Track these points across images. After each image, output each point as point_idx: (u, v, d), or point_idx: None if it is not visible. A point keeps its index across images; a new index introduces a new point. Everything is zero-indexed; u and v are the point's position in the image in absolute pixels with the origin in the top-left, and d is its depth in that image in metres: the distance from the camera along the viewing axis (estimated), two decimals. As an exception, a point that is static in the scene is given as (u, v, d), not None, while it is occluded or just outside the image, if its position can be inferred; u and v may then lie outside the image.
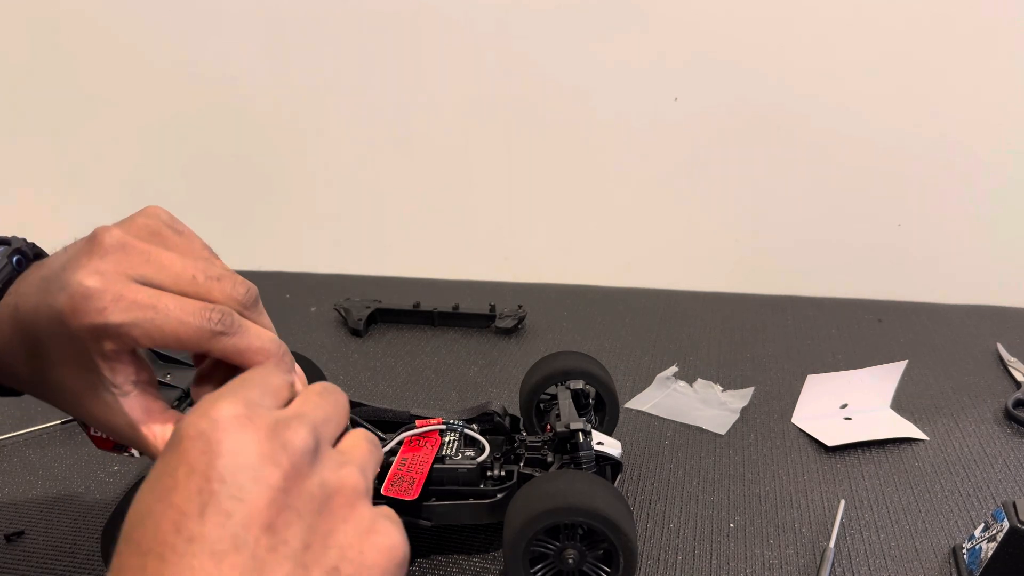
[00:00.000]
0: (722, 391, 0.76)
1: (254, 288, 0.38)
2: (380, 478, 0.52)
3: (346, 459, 0.30)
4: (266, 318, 0.39)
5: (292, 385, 0.33)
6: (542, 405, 0.63)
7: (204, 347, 0.35)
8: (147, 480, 0.27)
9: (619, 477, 0.56)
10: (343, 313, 0.91)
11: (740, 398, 0.75)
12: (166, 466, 0.26)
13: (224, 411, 0.27)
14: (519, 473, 0.53)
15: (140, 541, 0.25)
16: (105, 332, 0.34)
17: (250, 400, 0.29)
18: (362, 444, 0.32)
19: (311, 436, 0.28)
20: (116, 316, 0.33)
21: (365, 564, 0.28)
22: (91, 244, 0.35)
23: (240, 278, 0.38)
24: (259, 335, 0.36)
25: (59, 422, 0.71)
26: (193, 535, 0.25)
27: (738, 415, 0.72)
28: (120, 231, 0.36)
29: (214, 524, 0.25)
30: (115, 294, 0.34)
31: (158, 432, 0.37)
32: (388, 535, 0.29)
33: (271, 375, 0.32)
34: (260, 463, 0.26)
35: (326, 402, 0.32)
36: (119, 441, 0.39)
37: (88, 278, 0.34)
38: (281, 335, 0.90)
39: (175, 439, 0.27)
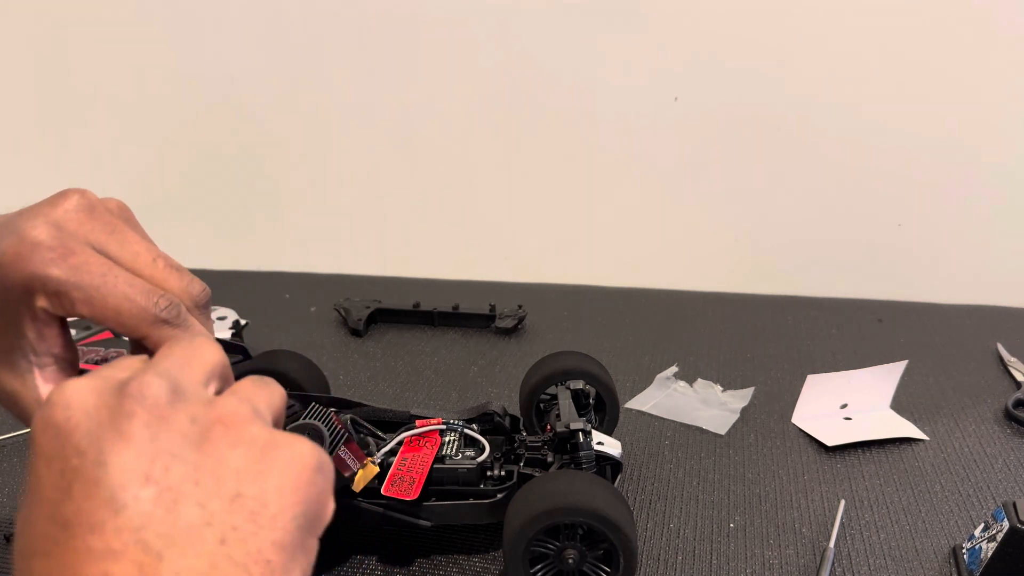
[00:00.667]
0: (722, 391, 0.76)
1: (209, 291, 0.37)
2: (380, 478, 0.52)
3: (220, 397, 0.28)
4: (211, 324, 0.37)
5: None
6: (542, 405, 0.63)
7: (143, 331, 0.33)
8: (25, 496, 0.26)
9: (619, 477, 0.56)
10: (343, 313, 0.91)
11: (740, 398, 0.75)
12: (30, 470, 0.25)
13: (62, 393, 0.26)
14: (519, 473, 0.53)
15: (24, 549, 0.24)
16: (44, 285, 0.32)
17: (98, 375, 0.27)
18: (244, 382, 0.30)
19: (162, 380, 0.26)
20: (61, 272, 0.32)
21: (270, 483, 0.26)
22: (57, 199, 0.34)
23: (197, 278, 0.37)
24: (202, 334, 0.35)
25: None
26: (67, 518, 0.23)
27: (738, 415, 0.72)
28: (94, 196, 0.35)
29: (84, 497, 0.23)
30: (67, 250, 0.32)
31: None
32: (289, 447, 0.27)
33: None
34: (112, 420, 0.25)
35: (184, 350, 0.29)
36: (14, 416, 0.36)
37: (43, 228, 0.32)
38: (281, 335, 0.90)
39: (30, 441, 0.26)
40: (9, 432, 0.70)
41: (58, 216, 0.33)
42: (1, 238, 0.33)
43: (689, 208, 1.00)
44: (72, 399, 0.25)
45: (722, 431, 0.70)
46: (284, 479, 0.26)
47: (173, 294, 0.34)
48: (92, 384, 0.26)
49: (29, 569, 0.24)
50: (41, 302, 0.32)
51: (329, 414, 0.53)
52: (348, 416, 0.55)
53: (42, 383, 0.34)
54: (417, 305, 0.91)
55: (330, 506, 0.28)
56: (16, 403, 0.35)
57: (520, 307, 0.91)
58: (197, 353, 0.30)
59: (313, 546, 0.27)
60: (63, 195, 0.34)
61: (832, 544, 0.55)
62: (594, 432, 0.55)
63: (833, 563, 0.54)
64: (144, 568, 0.23)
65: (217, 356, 0.30)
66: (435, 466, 0.52)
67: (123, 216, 0.36)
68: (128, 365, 0.29)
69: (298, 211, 1.10)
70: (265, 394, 0.29)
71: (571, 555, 0.48)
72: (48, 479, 0.24)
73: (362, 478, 0.51)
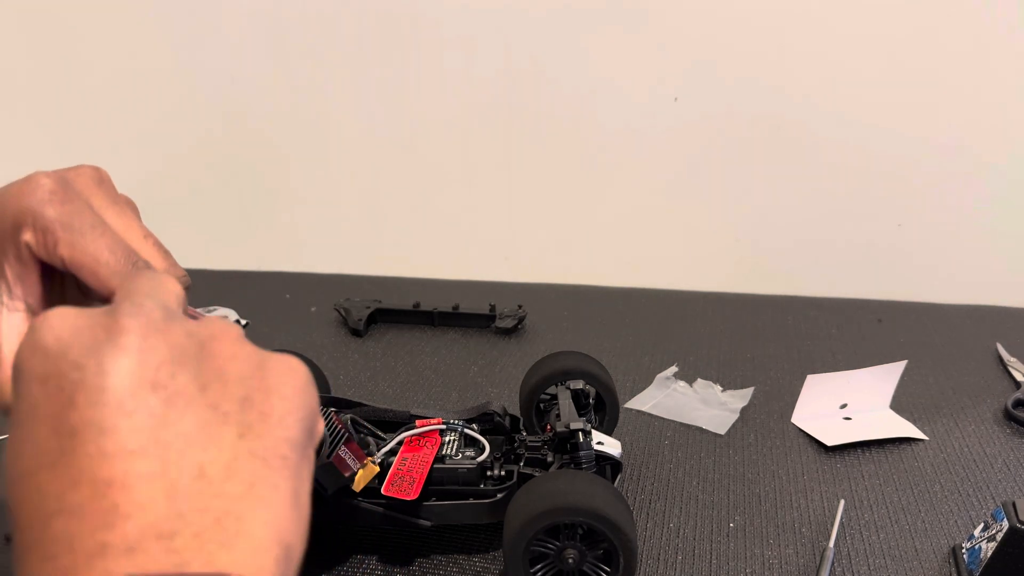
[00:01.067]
0: (722, 391, 0.76)
1: (189, 280, 0.37)
2: (380, 478, 0.52)
3: (206, 317, 0.29)
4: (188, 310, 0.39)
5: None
6: (542, 405, 0.63)
7: (115, 284, 0.33)
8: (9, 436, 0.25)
9: (619, 477, 0.56)
10: (343, 313, 0.91)
11: (740, 398, 0.75)
12: (20, 397, 0.25)
13: (46, 318, 0.25)
14: (519, 473, 0.53)
15: (25, 469, 0.23)
16: (35, 220, 0.32)
17: (78, 308, 0.27)
18: (215, 318, 0.30)
19: (151, 300, 0.27)
20: (54, 211, 0.32)
21: (273, 388, 0.26)
22: (70, 168, 0.35)
23: (181, 267, 0.38)
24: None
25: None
26: (73, 426, 0.23)
27: (738, 415, 0.72)
28: (108, 175, 0.36)
29: (90, 405, 0.23)
30: (66, 196, 0.33)
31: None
32: (282, 359, 0.28)
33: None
34: (108, 335, 0.25)
35: (153, 281, 0.30)
36: None
37: (51, 176, 0.33)
38: (282, 335, 0.91)
39: (13, 376, 0.25)
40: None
41: (69, 174, 0.34)
42: (14, 183, 0.34)
43: (689, 208, 1.00)
44: (57, 323, 0.25)
45: (722, 431, 0.70)
46: (284, 386, 0.27)
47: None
48: (76, 311, 0.26)
49: (34, 485, 0.23)
50: (27, 235, 0.33)
51: (329, 414, 0.53)
52: (348, 416, 0.55)
53: (6, 327, 0.34)
54: (417, 305, 0.91)
55: (321, 422, 0.29)
56: None
57: (520, 307, 0.91)
58: (168, 284, 0.30)
59: (312, 456, 0.28)
60: (77, 167, 0.35)
61: (832, 544, 0.55)
62: (594, 432, 0.55)
63: (833, 563, 0.54)
64: (168, 464, 0.23)
65: (181, 289, 0.31)
66: (435, 466, 0.52)
67: (128, 203, 0.37)
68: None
69: (298, 211, 1.10)
70: (236, 328, 0.30)
71: (571, 555, 0.48)
72: (45, 397, 0.24)
73: (362, 478, 0.51)
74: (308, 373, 0.28)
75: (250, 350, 0.27)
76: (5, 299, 0.34)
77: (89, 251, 0.33)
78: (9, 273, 0.34)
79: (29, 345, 0.25)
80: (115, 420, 0.23)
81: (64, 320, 0.25)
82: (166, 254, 0.37)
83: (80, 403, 0.23)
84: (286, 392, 0.27)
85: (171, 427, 0.24)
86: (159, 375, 0.24)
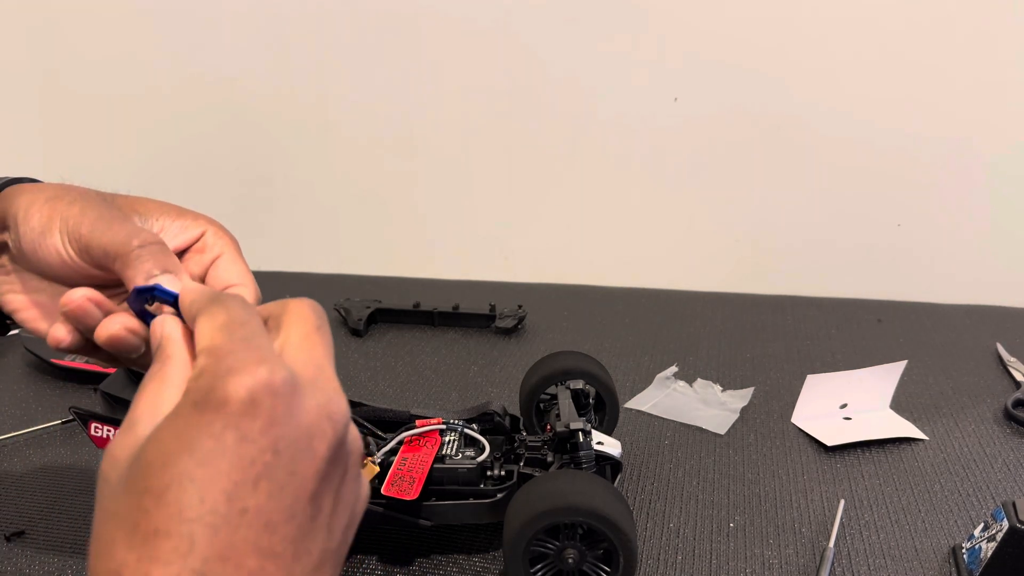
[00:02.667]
0: (722, 391, 0.76)
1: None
2: (380, 478, 0.52)
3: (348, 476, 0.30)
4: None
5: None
6: (542, 405, 0.63)
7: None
8: (171, 427, 0.25)
9: (619, 477, 0.56)
10: (343, 313, 0.91)
11: (740, 398, 0.75)
12: (206, 425, 0.25)
13: (271, 375, 0.25)
14: (519, 473, 0.53)
15: (182, 507, 0.24)
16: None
17: (270, 356, 0.27)
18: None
19: (346, 403, 0.28)
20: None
21: (356, 513, 0.29)
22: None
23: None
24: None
25: (59, 422, 0.71)
26: (247, 506, 0.24)
27: (738, 415, 0.72)
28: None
29: (267, 495, 0.24)
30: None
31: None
32: (361, 481, 0.30)
33: (252, 316, 0.30)
34: (310, 435, 0.26)
35: (330, 347, 0.31)
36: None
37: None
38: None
39: (215, 397, 0.25)
40: (9, 432, 0.70)
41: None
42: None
43: (689, 208, 1.00)
44: (278, 390, 0.25)
45: (722, 431, 0.70)
46: (357, 513, 0.30)
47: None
48: (288, 377, 0.26)
49: (190, 534, 0.24)
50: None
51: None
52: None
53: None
54: (417, 305, 0.91)
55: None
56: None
57: (520, 307, 0.91)
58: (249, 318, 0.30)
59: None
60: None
61: (832, 544, 0.55)
62: (594, 432, 0.55)
63: (833, 563, 0.54)
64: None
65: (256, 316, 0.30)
66: (435, 466, 0.52)
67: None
68: (260, 331, 0.29)
69: (298, 211, 1.10)
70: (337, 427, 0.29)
71: (571, 555, 0.48)
72: (235, 456, 0.24)
73: (362, 478, 0.51)
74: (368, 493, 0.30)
75: (357, 468, 0.29)
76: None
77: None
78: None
79: (254, 405, 0.25)
80: (278, 519, 0.25)
81: (294, 404, 0.26)
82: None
83: (262, 487, 0.25)
84: (355, 519, 0.29)
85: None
86: (320, 489, 0.26)
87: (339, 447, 0.27)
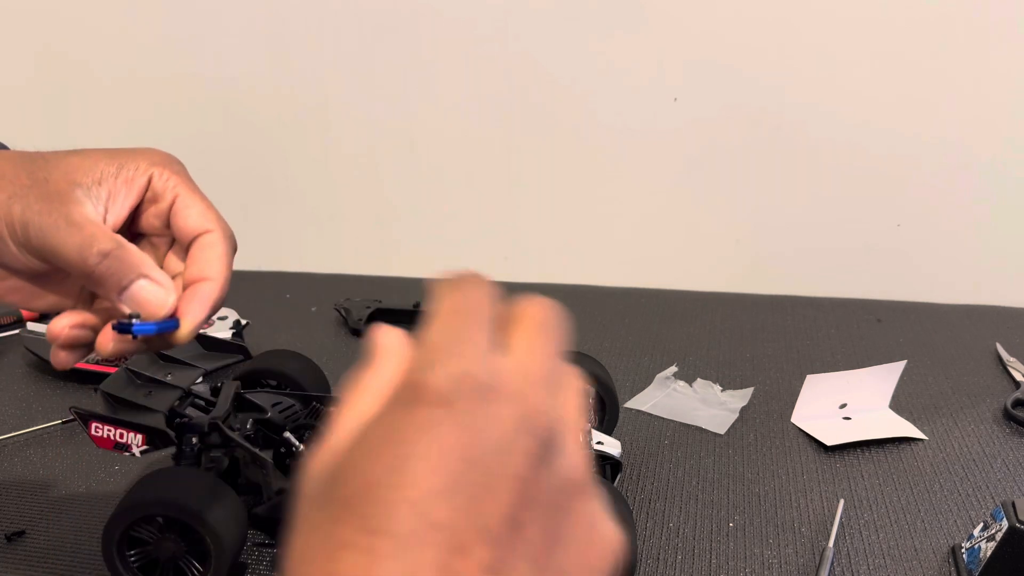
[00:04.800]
0: (722, 391, 0.76)
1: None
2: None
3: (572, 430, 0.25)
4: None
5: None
6: (542, 405, 0.63)
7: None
8: (351, 415, 0.23)
9: (619, 477, 0.56)
10: (343, 313, 0.91)
11: (740, 398, 0.75)
12: (394, 421, 0.22)
13: (471, 374, 0.23)
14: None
15: (362, 511, 0.21)
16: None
17: (480, 357, 0.24)
18: (575, 399, 0.27)
19: (555, 413, 0.24)
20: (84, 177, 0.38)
21: (588, 566, 0.23)
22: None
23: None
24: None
25: (59, 422, 0.71)
26: (438, 521, 0.21)
27: (737, 415, 0.72)
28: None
29: (461, 512, 0.21)
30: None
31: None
32: (608, 528, 0.25)
33: (477, 310, 0.26)
34: (509, 448, 0.22)
35: (556, 353, 0.26)
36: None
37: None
38: (282, 335, 0.91)
39: (408, 394, 0.23)
40: (10, 432, 0.70)
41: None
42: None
43: (689, 208, 1.00)
44: (474, 394, 0.23)
45: (721, 431, 0.70)
46: (596, 569, 0.24)
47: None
48: (489, 381, 0.23)
49: (369, 545, 0.21)
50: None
51: (330, 414, 0.53)
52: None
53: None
54: (417, 305, 0.91)
55: None
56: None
57: (520, 307, 0.91)
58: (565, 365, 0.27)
59: None
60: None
61: (831, 544, 0.55)
62: (594, 432, 0.55)
63: (832, 562, 0.54)
64: None
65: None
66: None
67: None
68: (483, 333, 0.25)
69: (298, 211, 1.10)
70: (584, 418, 0.27)
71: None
72: (425, 462, 0.21)
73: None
74: (619, 545, 0.25)
75: (591, 504, 0.24)
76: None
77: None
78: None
79: (448, 409, 0.22)
80: (470, 539, 0.21)
81: (490, 411, 0.23)
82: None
83: (456, 502, 0.21)
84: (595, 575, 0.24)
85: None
86: (523, 515, 0.22)
87: (540, 463, 0.23)
